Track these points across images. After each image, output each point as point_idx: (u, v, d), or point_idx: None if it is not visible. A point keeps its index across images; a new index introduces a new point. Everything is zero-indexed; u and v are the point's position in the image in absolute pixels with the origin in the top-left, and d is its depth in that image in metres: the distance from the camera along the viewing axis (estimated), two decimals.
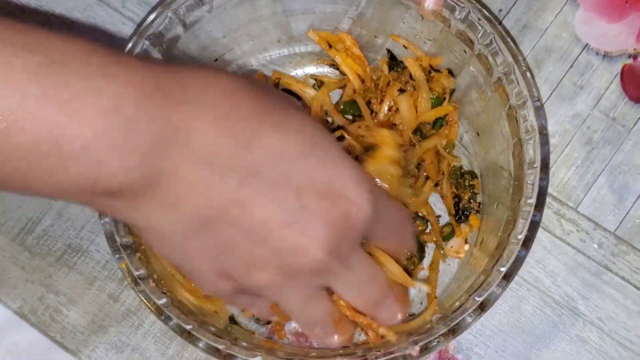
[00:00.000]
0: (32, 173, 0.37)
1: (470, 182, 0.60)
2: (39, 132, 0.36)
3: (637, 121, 0.64)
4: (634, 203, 0.62)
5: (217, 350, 0.50)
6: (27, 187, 0.38)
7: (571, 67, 0.65)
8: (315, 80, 0.63)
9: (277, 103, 0.44)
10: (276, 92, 0.48)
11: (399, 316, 0.52)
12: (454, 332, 0.50)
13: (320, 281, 0.46)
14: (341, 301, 0.49)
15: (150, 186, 0.39)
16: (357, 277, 0.47)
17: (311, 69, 0.64)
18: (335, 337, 0.51)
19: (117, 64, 0.38)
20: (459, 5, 0.54)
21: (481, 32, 0.54)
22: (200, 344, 0.50)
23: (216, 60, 0.60)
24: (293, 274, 0.43)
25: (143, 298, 0.50)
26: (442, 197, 0.60)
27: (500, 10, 0.66)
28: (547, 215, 0.62)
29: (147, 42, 0.54)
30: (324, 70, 0.64)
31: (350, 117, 0.61)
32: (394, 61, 0.61)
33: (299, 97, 0.62)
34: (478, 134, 0.60)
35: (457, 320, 0.50)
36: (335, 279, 0.46)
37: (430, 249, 0.60)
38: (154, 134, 0.38)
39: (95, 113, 0.36)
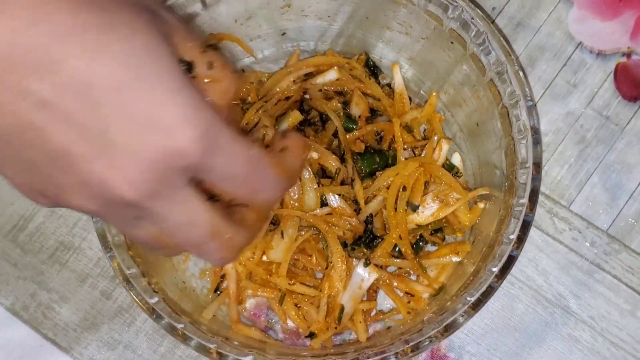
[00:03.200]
0: None
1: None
2: None
3: (630, 120, 0.64)
4: (627, 202, 0.62)
5: (208, 349, 0.50)
6: None
7: (565, 65, 0.65)
8: None
9: (111, 13, 0.37)
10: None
11: (221, 262, 0.46)
12: (445, 331, 0.50)
13: (135, 214, 0.41)
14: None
15: None
16: (178, 217, 0.41)
17: None
18: (164, 251, 0.46)
19: None
20: (452, 4, 0.54)
21: (474, 31, 0.53)
22: (192, 343, 0.50)
23: None
24: (104, 204, 0.39)
25: (135, 297, 0.50)
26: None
27: (493, 8, 0.65)
28: (540, 213, 0.62)
29: None
30: None
31: None
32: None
33: None
34: (471, 133, 0.60)
35: (449, 320, 0.51)
36: (151, 216, 0.41)
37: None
38: None
39: None
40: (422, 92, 0.63)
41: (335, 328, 0.56)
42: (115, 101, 0.36)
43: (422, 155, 0.60)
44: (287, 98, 0.60)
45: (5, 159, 0.38)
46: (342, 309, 0.56)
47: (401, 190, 0.57)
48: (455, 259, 0.58)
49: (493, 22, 0.65)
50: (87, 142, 0.37)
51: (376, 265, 0.57)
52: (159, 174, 0.38)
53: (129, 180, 0.38)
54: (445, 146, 0.60)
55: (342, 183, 0.57)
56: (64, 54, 0.35)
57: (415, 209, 0.58)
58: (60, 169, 0.37)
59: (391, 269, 0.59)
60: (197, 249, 0.44)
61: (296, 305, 0.57)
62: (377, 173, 0.58)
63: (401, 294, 0.58)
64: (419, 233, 0.59)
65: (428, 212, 0.58)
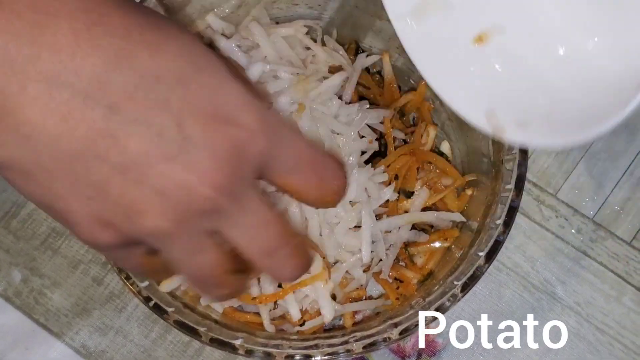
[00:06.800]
0: None
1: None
2: None
3: None
4: (612, 190, 0.63)
5: (199, 332, 0.51)
6: None
7: None
8: None
9: (151, 20, 0.37)
10: (154, 11, 0.40)
11: (295, 272, 0.44)
12: (433, 316, 0.51)
13: (210, 224, 0.39)
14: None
15: None
16: (250, 218, 0.40)
17: None
18: (222, 291, 0.44)
19: None
20: None
21: None
22: (183, 327, 0.51)
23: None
24: (180, 217, 0.37)
25: (125, 280, 0.51)
26: None
27: None
28: (527, 201, 0.63)
29: None
30: None
31: None
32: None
33: None
34: (460, 121, 0.60)
35: (437, 304, 0.51)
36: (225, 221, 0.39)
37: None
38: None
39: None
40: (411, 81, 0.63)
41: None
42: (183, 94, 0.36)
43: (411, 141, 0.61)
44: None
45: (73, 184, 0.36)
46: (334, 297, 0.57)
47: (394, 179, 0.58)
48: (444, 244, 0.59)
49: None
50: (163, 142, 0.36)
51: None
52: (233, 166, 0.38)
53: (206, 176, 0.37)
54: (432, 132, 0.60)
55: None
56: (129, 50, 0.35)
57: (409, 195, 0.59)
58: (135, 182, 0.36)
59: None
60: (270, 258, 0.42)
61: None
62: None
63: (390, 280, 0.59)
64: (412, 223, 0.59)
65: (419, 199, 0.59)
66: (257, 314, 0.58)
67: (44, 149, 0.34)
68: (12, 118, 0.34)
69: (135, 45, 0.35)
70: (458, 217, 0.58)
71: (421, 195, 0.59)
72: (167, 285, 0.53)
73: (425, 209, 0.60)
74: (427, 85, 0.61)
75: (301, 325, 0.57)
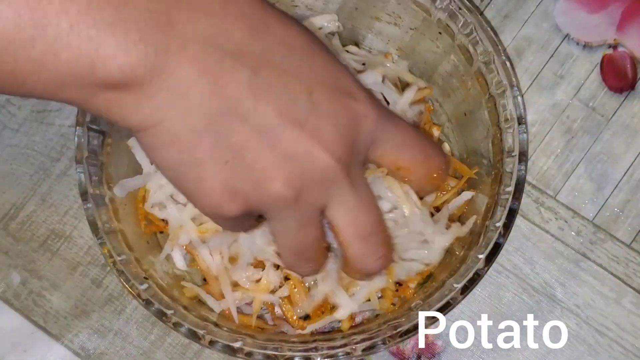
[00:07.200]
0: (21, 65, 0.34)
1: None
2: (19, 15, 0.32)
3: (616, 111, 0.64)
4: (612, 192, 0.63)
5: (198, 335, 0.51)
6: (20, 83, 0.35)
7: (551, 57, 0.65)
8: None
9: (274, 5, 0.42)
10: None
11: (379, 262, 0.48)
12: (432, 318, 0.51)
13: (323, 198, 0.42)
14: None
15: (157, 70, 0.36)
16: (357, 197, 0.43)
17: None
18: (313, 265, 0.49)
19: None
20: None
21: (462, 21, 0.54)
22: (182, 329, 0.50)
23: None
24: (301, 186, 0.41)
25: (124, 282, 0.51)
26: None
27: (482, 0, 0.66)
28: (527, 203, 0.63)
29: None
30: None
31: None
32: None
33: None
34: (459, 123, 0.60)
35: (437, 307, 0.51)
36: (335, 195, 0.43)
37: None
38: (151, 8, 0.35)
39: None
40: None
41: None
42: (311, 65, 0.40)
43: None
44: None
45: (214, 146, 0.39)
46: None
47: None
48: None
49: (481, 13, 0.66)
50: (296, 106, 0.39)
51: None
52: (351, 138, 0.41)
53: (329, 145, 0.40)
54: (436, 132, 0.60)
55: None
56: (267, 20, 0.39)
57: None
58: (269, 144, 0.39)
59: None
60: (363, 242, 0.45)
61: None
62: None
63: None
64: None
65: (429, 199, 0.59)
66: (257, 316, 0.58)
67: (195, 108, 0.37)
68: (172, 77, 0.36)
69: (270, 17, 0.39)
70: (469, 195, 0.57)
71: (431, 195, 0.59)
72: (179, 260, 0.57)
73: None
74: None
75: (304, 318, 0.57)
